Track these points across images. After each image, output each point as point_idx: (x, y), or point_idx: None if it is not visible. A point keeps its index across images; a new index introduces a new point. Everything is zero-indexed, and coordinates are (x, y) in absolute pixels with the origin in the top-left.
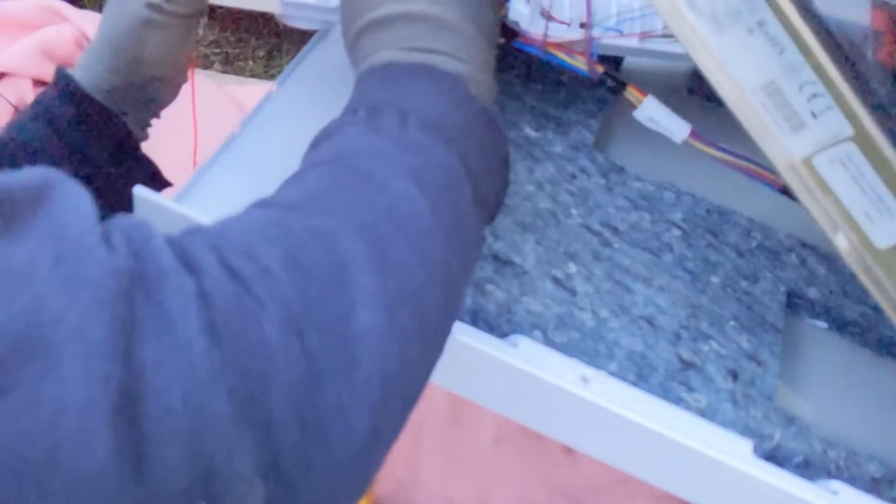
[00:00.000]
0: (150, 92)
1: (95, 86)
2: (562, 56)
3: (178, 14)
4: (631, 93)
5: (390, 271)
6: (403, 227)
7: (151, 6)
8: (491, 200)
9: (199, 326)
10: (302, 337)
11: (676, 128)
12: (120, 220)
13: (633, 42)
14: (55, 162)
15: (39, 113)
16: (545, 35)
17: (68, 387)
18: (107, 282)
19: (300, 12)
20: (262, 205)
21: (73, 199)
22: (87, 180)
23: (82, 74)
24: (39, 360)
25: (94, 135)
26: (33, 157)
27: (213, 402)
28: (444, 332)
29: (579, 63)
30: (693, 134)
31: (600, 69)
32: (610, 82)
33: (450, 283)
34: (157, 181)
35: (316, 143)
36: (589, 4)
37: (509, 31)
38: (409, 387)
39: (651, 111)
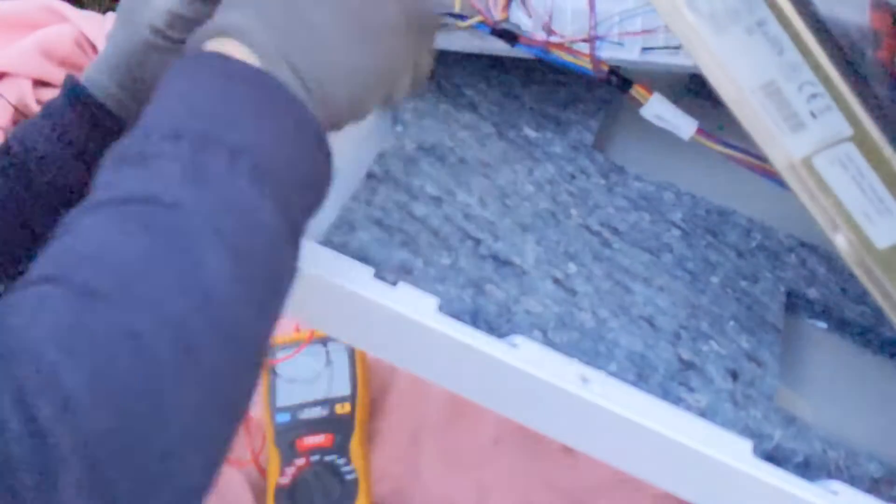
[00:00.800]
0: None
1: (103, 97)
2: (566, 56)
3: (181, 39)
4: (637, 90)
5: (202, 378)
6: (216, 317)
7: (155, 31)
8: (305, 226)
9: None
10: (103, 477)
11: (683, 124)
12: None
13: (634, 55)
14: (63, 169)
15: (48, 120)
16: (548, 35)
17: None
18: None
19: None
20: (63, 283)
21: None
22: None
23: (90, 84)
24: None
25: (102, 141)
26: (42, 165)
27: None
28: (250, 394)
29: (583, 62)
30: (700, 131)
31: (605, 67)
32: (615, 81)
33: (259, 351)
34: None
35: (123, 159)
36: (593, 3)
37: (510, 34)
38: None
39: (658, 108)
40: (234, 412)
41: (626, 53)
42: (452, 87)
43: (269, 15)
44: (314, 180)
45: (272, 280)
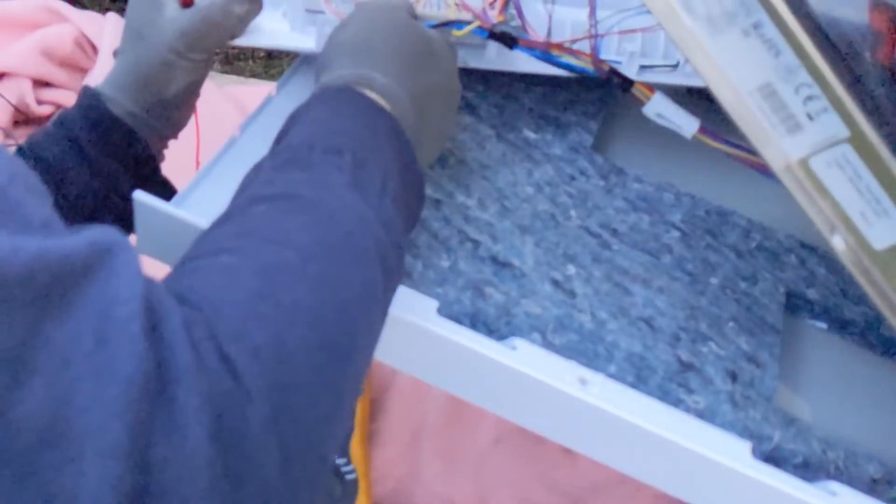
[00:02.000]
0: (170, 118)
1: (119, 112)
2: (566, 57)
3: (199, 60)
4: (639, 89)
5: (349, 357)
6: (366, 308)
7: (175, 52)
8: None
9: (207, 432)
10: (280, 428)
11: (685, 123)
12: (148, 289)
13: (632, 74)
14: (75, 180)
15: (62, 131)
16: (548, 36)
17: (83, 482)
18: (137, 380)
19: None
20: (246, 257)
21: (128, 273)
22: (107, 199)
23: (106, 99)
24: (62, 449)
25: (116, 154)
26: (54, 175)
27: None
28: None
29: (584, 63)
30: (702, 129)
31: (606, 67)
32: (617, 80)
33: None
34: (169, 195)
35: (288, 163)
36: (593, 4)
37: (509, 37)
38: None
39: (659, 107)
40: (356, 396)
41: (625, 71)
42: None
43: (401, 80)
44: (414, 215)
45: (396, 285)
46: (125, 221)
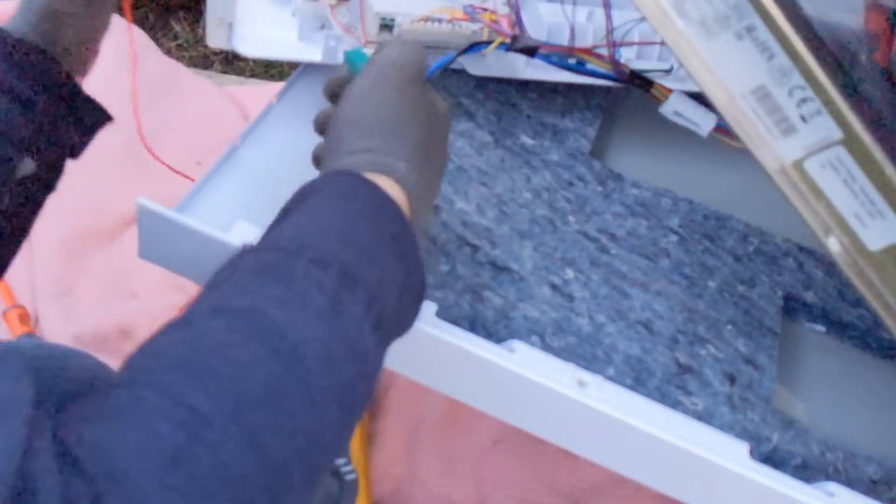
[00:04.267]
0: (71, 48)
1: (21, 35)
2: (591, 60)
3: None
4: (658, 89)
5: None
6: (304, 461)
7: None
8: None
9: None
10: None
11: (702, 120)
12: (28, 458)
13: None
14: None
15: None
16: (571, 42)
17: None
18: None
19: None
20: (171, 398)
21: (4, 445)
22: (35, 129)
23: (9, 27)
24: None
25: (29, 77)
26: None
27: None
28: None
29: (605, 65)
30: (718, 128)
31: (627, 69)
32: (637, 81)
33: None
34: (101, 117)
35: (268, 268)
36: (608, 8)
37: (531, 47)
38: None
39: (677, 105)
40: None
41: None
42: (450, 97)
43: (413, 160)
44: (407, 323)
45: (357, 417)
46: (53, 143)
